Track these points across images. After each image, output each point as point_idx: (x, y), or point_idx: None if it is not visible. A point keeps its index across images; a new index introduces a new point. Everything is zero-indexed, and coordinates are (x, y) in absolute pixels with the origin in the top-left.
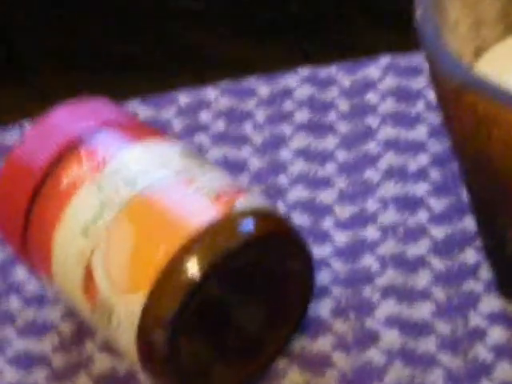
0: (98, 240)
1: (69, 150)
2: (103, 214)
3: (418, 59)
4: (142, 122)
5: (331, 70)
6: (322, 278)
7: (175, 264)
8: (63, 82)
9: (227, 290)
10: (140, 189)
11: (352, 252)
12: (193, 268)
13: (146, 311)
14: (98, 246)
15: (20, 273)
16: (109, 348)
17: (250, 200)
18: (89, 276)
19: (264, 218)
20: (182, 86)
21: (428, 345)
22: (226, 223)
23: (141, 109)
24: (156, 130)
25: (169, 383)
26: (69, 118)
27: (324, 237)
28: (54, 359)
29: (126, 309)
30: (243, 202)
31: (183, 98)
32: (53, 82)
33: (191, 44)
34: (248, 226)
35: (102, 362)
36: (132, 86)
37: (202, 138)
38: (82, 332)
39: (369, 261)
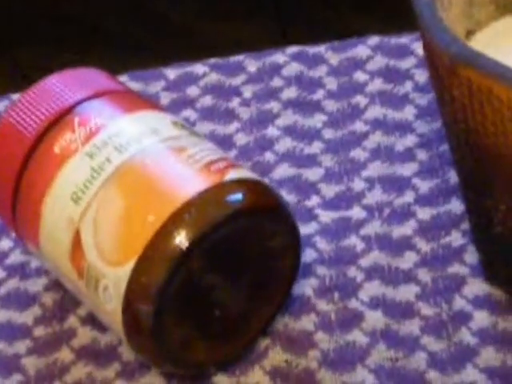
0: (88, 206)
1: (62, 117)
2: (93, 181)
3: (406, 40)
4: (135, 93)
5: (320, 49)
6: (307, 256)
7: (163, 234)
8: (50, 58)
9: (214, 263)
10: (130, 156)
11: (337, 231)
12: (180, 238)
13: (133, 282)
14: (87, 213)
15: (3, 243)
16: (91, 321)
17: (241, 172)
18: (77, 242)
19: (254, 190)
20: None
21: (412, 327)
22: (215, 194)
23: (129, 84)
24: (149, 100)
25: (152, 356)
26: (62, 86)
27: (309, 215)
28: (35, 331)
29: (113, 278)
30: (233, 174)
31: (171, 73)
32: (39, 58)
33: (178, 25)
34: (237, 196)
35: (83, 335)
36: (119, 65)
37: (189, 113)
38: (64, 304)
39: (354, 240)
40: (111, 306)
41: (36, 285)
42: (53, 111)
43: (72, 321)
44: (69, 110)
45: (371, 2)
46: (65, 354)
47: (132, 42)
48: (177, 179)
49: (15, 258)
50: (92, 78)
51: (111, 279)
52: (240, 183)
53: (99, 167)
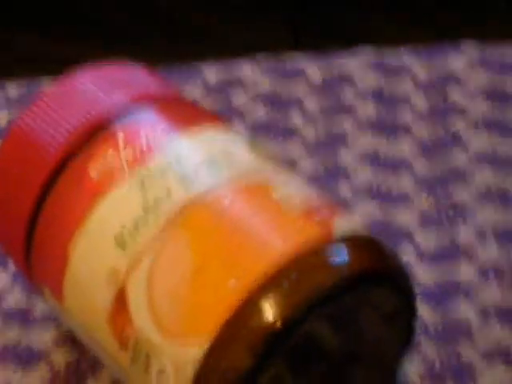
0: (140, 256)
1: (100, 128)
2: (148, 222)
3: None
4: (189, 99)
5: (402, 58)
6: None
7: (249, 307)
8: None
9: (317, 345)
10: (199, 192)
11: (442, 296)
12: (274, 313)
13: (206, 366)
14: (139, 265)
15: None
16: None
17: (350, 222)
18: (121, 302)
19: (368, 248)
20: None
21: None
22: (322, 254)
23: None
24: (209, 111)
25: None
26: (96, 85)
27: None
28: None
29: (175, 359)
30: (342, 225)
31: (210, 73)
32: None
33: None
34: (348, 258)
35: None
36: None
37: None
38: (81, 366)
39: (465, 311)
40: None
41: (43, 338)
42: (86, 120)
43: None
44: (107, 120)
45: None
46: None
47: (133, 34)
48: (266, 229)
49: (14, 300)
50: (133, 76)
51: (172, 359)
52: (352, 239)
53: (156, 203)
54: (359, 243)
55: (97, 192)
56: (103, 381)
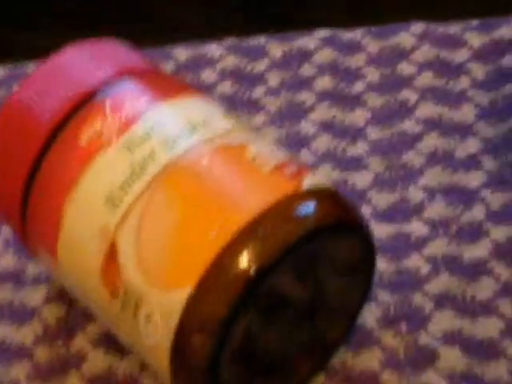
0: (128, 212)
1: (88, 99)
2: (135, 181)
3: (457, 29)
4: (169, 74)
5: (355, 35)
6: None
7: (228, 255)
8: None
9: (287, 289)
10: (180, 153)
11: (396, 249)
12: (251, 260)
13: (188, 313)
14: (128, 221)
15: None
16: (105, 342)
17: (317, 178)
18: (111, 257)
19: (334, 200)
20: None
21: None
22: (292, 206)
23: None
24: (187, 83)
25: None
26: (83, 60)
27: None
28: (36, 353)
29: (160, 305)
30: (310, 180)
31: (181, 53)
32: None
33: None
34: (317, 209)
35: (95, 360)
36: None
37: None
38: (69, 321)
39: (417, 262)
40: (155, 339)
41: (34, 297)
42: (76, 91)
43: (81, 342)
44: (96, 91)
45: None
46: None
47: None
48: (243, 187)
49: (7, 263)
50: (118, 52)
51: (158, 306)
52: (319, 192)
53: (141, 165)
54: (325, 196)
55: (87, 157)
56: (91, 334)
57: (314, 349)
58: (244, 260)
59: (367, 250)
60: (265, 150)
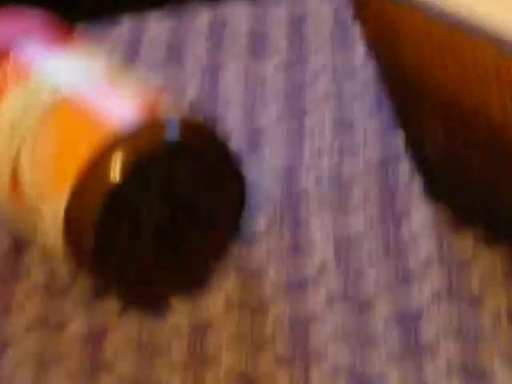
0: (25, 138)
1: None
2: (30, 113)
3: None
4: (68, 32)
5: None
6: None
7: (97, 163)
8: None
9: (152, 195)
10: (64, 90)
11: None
12: (113, 169)
13: (70, 211)
14: (25, 146)
15: None
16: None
17: (178, 107)
18: (15, 176)
19: (191, 123)
20: None
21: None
22: (151, 126)
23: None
24: (80, 39)
25: (102, 280)
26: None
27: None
28: None
29: (51, 213)
30: (170, 108)
31: (126, 21)
32: None
33: None
34: (174, 130)
35: (38, 274)
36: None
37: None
38: (18, 244)
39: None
40: (51, 236)
41: None
42: None
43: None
44: (5, 49)
45: None
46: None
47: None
48: (111, 111)
49: None
50: (23, 17)
51: (49, 215)
52: (176, 117)
53: (33, 101)
54: (182, 119)
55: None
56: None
57: (204, 245)
58: (108, 169)
59: (229, 165)
60: (134, 84)
